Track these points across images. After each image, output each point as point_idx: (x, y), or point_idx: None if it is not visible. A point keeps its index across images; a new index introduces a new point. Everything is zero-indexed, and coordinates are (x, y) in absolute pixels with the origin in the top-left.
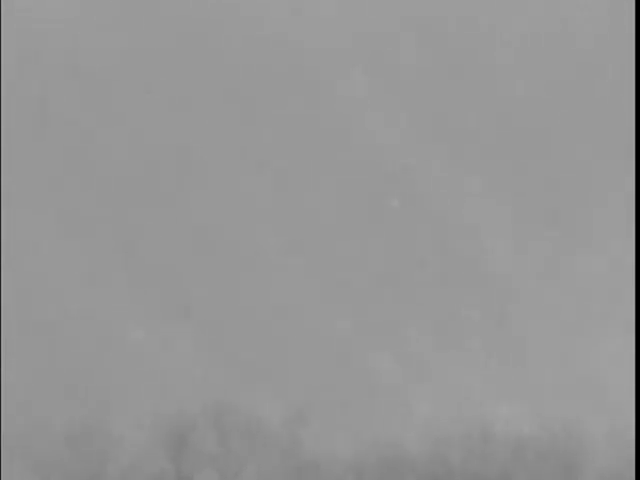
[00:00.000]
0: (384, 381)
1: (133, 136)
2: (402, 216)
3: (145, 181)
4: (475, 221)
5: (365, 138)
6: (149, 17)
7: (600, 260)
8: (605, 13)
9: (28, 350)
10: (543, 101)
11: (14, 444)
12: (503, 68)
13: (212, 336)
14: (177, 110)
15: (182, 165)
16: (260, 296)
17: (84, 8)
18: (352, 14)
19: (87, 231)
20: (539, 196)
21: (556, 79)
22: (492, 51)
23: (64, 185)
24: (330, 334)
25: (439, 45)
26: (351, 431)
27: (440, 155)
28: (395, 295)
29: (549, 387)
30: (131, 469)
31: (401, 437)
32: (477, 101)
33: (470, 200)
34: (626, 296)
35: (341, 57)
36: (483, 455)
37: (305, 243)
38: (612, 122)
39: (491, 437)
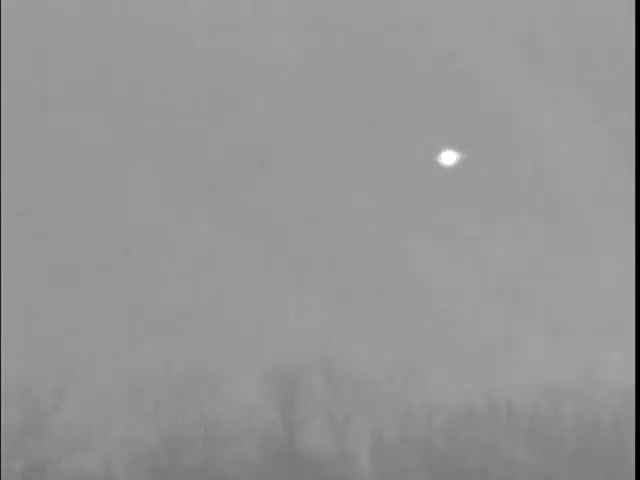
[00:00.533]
0: (492, 333)
1: None
2: None
3: None
4: None
5: None
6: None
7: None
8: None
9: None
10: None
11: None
12: None
13: (323, 288)
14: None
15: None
16: (370, 250)
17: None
18: None
19: None
20: None
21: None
22: None
23: None
24: (439, 287)
25: None
26: (460, 380)
27: None
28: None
29: None
30: (242, 417)
31: (510, 384)
32: None
33: None
34: None
35: None
36: (593, 403)
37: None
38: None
39: (601, 384)
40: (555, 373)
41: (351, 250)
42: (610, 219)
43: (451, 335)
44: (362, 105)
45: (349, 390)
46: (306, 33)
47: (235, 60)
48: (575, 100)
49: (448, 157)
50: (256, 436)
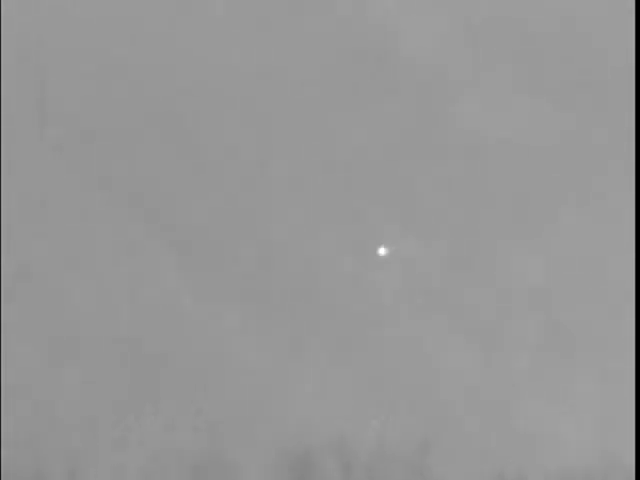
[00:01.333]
0: (515, 412)
1: None
2: None
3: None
4: None
5: None
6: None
7: None
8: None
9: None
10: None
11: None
12: None
13: (335, 367)
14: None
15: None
16: (379, 329)
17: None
18: None
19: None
20: None
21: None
22: None
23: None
24: (455, 366)
25: None
26: (477, 462)
27: None
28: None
29: None
30: None
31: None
32: None
33: None
34: None
35: None
36: None
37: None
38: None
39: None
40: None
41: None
42: None
43: (469, 412)
44: None
45: (362, 473)
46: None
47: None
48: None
49: None
50: None
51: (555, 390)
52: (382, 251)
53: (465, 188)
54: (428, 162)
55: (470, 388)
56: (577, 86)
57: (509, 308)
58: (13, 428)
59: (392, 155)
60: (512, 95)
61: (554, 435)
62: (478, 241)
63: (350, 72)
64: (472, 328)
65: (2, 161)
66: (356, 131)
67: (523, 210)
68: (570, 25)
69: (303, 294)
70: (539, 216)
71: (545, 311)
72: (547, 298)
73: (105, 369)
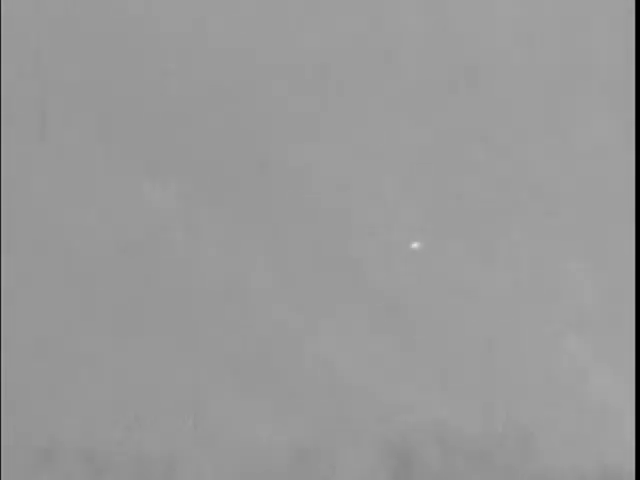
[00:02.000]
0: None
1: None
2: None
3: None
4: None
5: None
6: None
7: None
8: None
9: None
10: None
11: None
12: None
13: (431, 357)
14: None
15: None
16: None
17: None
18: None
19: None
20: None
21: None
22: None
23: None
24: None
25: None
26: (575, 446)
27: None
28: None
29: None
30: None
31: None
32: None
33: None
34: None
35: None
36: None
37: None
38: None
39: None
40: None
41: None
42: None
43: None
44: None
45: (462, 459)
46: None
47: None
48: None
49: None
50: None
51: None
52: (415, 245)
53: None
54: None
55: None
56: None
57: None
58: None
59: None
60: None
61: None
62: None
63: None
64: None
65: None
66: None
67: None
68: None
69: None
70: None
71: None
72: None
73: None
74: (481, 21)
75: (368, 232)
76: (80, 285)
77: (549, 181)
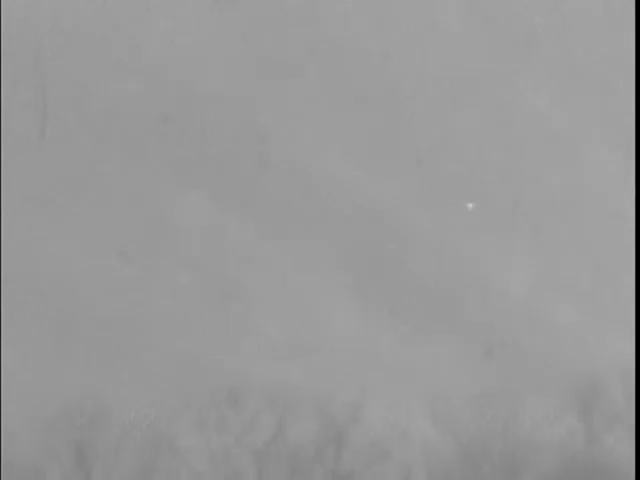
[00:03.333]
0: None
1: None
2: None
3: None
4: None
5: None
6: None
7: None
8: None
9: None
10: None
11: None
12: None
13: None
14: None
15: None
16: None
17: None
18: None
19: None
20: None
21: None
22: None
23: None
24: None
25: None
26: None
27: None
28: None
29: None
30: (541, 430)
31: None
32: None
33: None
34: None
35: None
36: None
37: None
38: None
39: None
40: None
41: None
42: None
43: None
44: None
45: None
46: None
47: None
48: None
49: None
50: (554, 447)
51: None
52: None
53: None
54: None
55: None
56: None
57: None
58: None
59: None
60: None
61: None
62: None
63: None
64: None
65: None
66: None
67: None
68: None
69: None
70: None
71: None
72: None
73: None
74: None
75: None
76: None
77: None
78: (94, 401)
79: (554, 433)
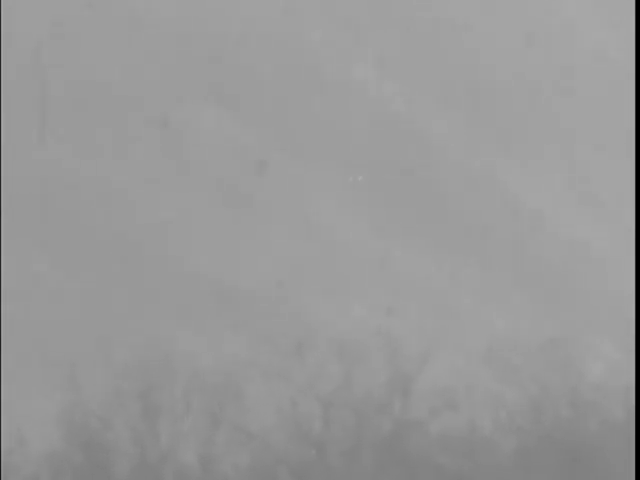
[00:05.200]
0: None
1: None
2: None
3: None
4: None
5: None
6: None
7: None
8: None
9: None
10: None
11: None
12: None
13: None
14: None
15: None
16: None
17: None
18: None
19: None
20: None
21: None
22: None
23: None
24: None
25: None
26: None
27: None
28: None
29: None
30: (603, 381)
31: None
32: None
33: None
34: None
35: None
36: None
37: None
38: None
39: None
40: None
41: None
42: None
43: None
44: None
45: None
46: None
47: None
48: None
49: None
50: (620, 396)
51: None
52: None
53: None
54: None
55: None
56: None
57: None
58: None
59: None
60: None
61: None
62: None
63: None
64: None
65: None
66: None
67: None
68: None
69: None
70: None
71: None
72: None
73: None
74: None
75: None
76: None
77: None
78: (161, 350)
79: (620, 380)
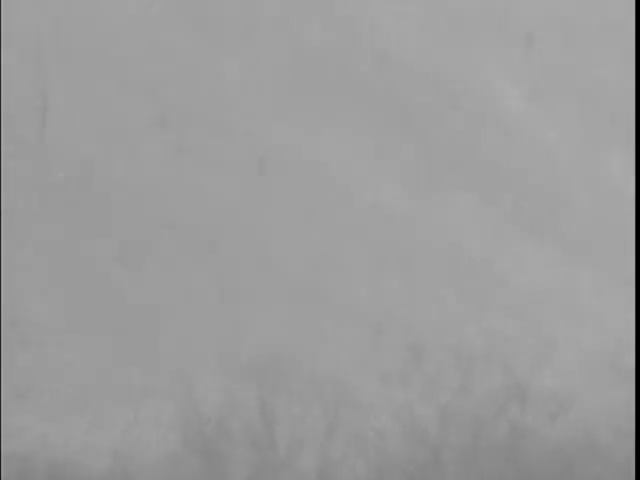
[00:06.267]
0: None
1: None
2: None
3: None
4: None
5: None
6: None
7: None
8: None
9: None
10: None
11: None
12: None
13: None
14: None
15: None
16: None
17: None
18: None
19: None
20: None
21: None
22: None
23: None
24: None
25: None
26: None
27: None
28: None
29: None
30: None
31: None
32: None
33: None
34: None
35: None
36: None
37: None
38: None
39: None
40: None
41: None
42: None
43: None
44: None
45: None
46: None
47: None
48: None
49: None
50: None
51: None
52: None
53: None
54: None
55: None
56: None
57: None
58: None
59: None
60: None
61: None
62: None
63: None
64: None
65: None
66: None
67: None
68: None
69: None
70: None
71: None
72: None
73: None
74: None
75: None
76: None
77: None
78: (280, 354)
79: None
